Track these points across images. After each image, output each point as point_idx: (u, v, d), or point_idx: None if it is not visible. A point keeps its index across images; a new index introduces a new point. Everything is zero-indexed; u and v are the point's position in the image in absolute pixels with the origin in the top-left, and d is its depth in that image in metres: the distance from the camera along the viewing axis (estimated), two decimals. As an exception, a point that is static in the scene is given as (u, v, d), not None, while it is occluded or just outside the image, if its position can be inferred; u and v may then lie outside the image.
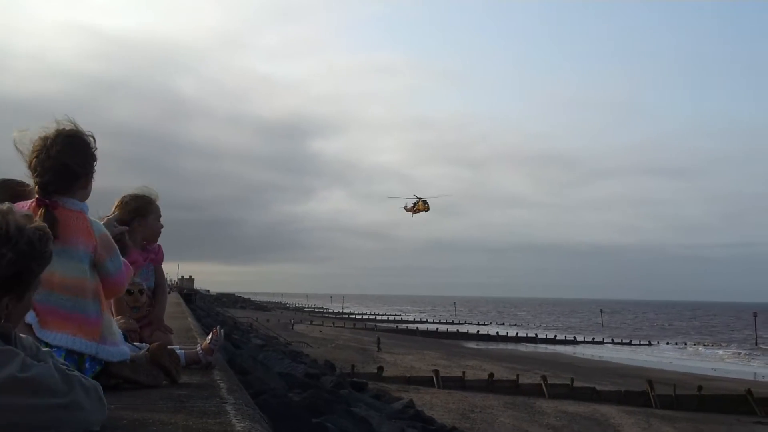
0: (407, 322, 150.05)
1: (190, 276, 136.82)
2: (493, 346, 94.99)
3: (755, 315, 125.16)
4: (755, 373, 66.65)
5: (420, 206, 78.26)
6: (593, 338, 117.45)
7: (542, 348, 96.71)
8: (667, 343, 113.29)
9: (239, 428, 3.20)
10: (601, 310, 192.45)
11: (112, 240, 4.60)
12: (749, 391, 41.19)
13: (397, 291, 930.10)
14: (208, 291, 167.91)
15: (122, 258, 4.68)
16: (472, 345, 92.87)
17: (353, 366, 40.72)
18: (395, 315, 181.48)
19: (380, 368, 41.80)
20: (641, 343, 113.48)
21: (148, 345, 4.94)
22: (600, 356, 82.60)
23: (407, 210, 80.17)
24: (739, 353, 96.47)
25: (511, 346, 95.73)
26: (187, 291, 74.67)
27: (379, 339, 66.27)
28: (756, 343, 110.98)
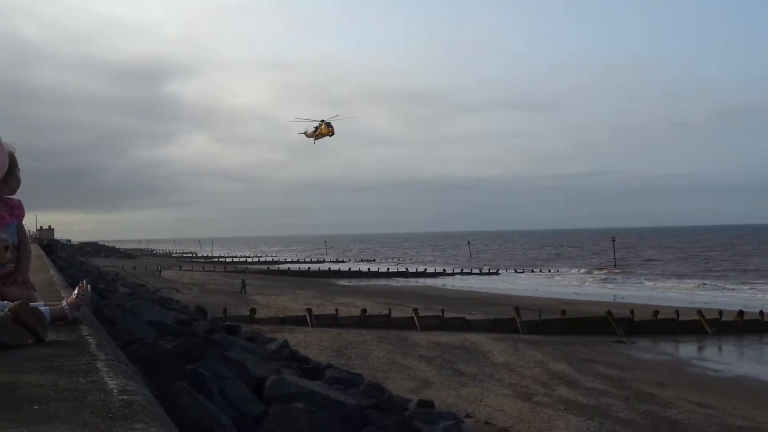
0: (278, 263, 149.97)
1: (50, 226, 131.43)
2: (365, 282, 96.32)
3: (613, 240, 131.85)
4: (614, 295, 70.35)
5: (323, 130, 70.22)
6: (462, 269, 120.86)
7: (413, 282, 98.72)
8: (532, 271, 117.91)
9: (112, 386, 3.05)
10: (468, 242, 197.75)
11: None
12: (609, 313, 43.49)
13: (267, 233, 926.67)
14: (70, 241, 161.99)
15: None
16: (344, 282, 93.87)
17: (225, 309, 40.46)
18: (266, 257, 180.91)
19: (253, 310, 41.71)
20: (507, 271, 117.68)
21: (10, 304, 4.74)
22: (469, 287, 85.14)
23: (308, 135, 72.41)
24: (600, 276, 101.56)
25: (383, 282, 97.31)
26: (47, 242, 71.60)
27: (243, 281, 65.99)
28: (615, 266, 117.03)
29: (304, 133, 72.43)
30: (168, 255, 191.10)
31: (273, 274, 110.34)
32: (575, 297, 66.83)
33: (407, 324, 41.35)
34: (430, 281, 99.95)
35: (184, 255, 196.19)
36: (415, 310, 42.77)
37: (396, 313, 43.75)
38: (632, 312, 44.22)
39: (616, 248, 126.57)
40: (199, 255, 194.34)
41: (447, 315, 42.92)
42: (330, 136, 70.15)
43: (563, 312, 44.11)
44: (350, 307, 47.63)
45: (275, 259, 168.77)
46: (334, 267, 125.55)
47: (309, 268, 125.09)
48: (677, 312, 44.31)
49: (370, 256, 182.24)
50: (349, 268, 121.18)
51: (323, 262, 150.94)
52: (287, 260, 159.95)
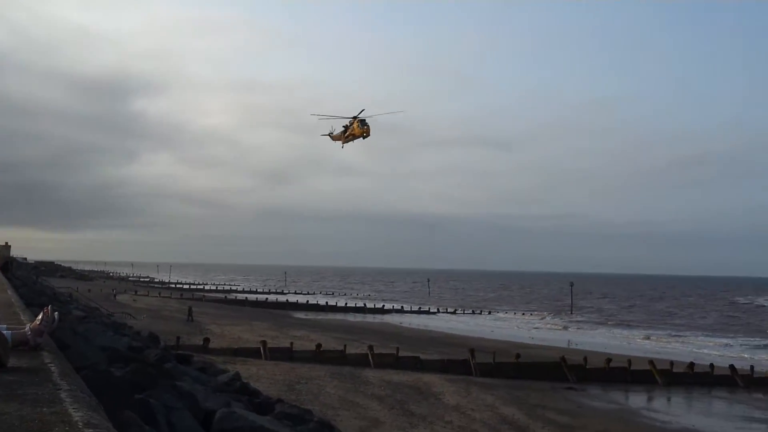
0: (236, 291, 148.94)
1: (6, 243, 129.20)
2: (322, 316, 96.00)
3: (572, 285, 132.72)
4: (569, 340, 70.98)
5: (356, 129, 58.42)
6: (420, 307, 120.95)
7: (371, 318, 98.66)
8: (489, 312, 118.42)
9: (77, 418, 3.11)
10: (429, 280, 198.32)
11: None
12: (563, 359, 43.80)
13: (228, 260, 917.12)
14: (26, 259, 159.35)
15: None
16: (301, 315, 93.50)
17: (178, 338, 40.10)
18: (224, 285, 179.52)
19: (206, 340, 41.39)
20: (466, 312, 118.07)
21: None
22: (426, 325, 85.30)
23: (334, 138, 61.42)
24: (556, 321, 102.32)
25: (340, 316, 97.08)
26: (4, 260, 70.24)
27: (190, 308, 65.44)
28: (571, 312, 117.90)
29: (329, 134, 62.34)
30: (125, 279, 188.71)
31: (230, 303, 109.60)
32: (530, 341, 67.37)
33: (362, 361, 41.32)
34: (387, 318, 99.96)
35: (141, 279, 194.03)
36: (370, 347, 42.78)
37: (351, 349, 43.70)
38: (585, 359, 44.63)
39: (574, 293, 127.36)
40: (156, 280, 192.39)
41: (402, 353, 42.97)
42: (364, 137, 58.59)
43: (517, 356, 44.41)
44: (305, 341, 47.54)
45: (233, 287, 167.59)
46: (292, 299, 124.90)
47: (267, 298, 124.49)
48: (629, 361, 44.81)
49: (329, 289, 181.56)
50: (307, 301, 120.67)
51: (282, 293, 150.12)
52: (245, 289, 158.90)
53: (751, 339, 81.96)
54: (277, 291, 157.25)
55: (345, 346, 44.29)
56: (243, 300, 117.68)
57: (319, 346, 42.95)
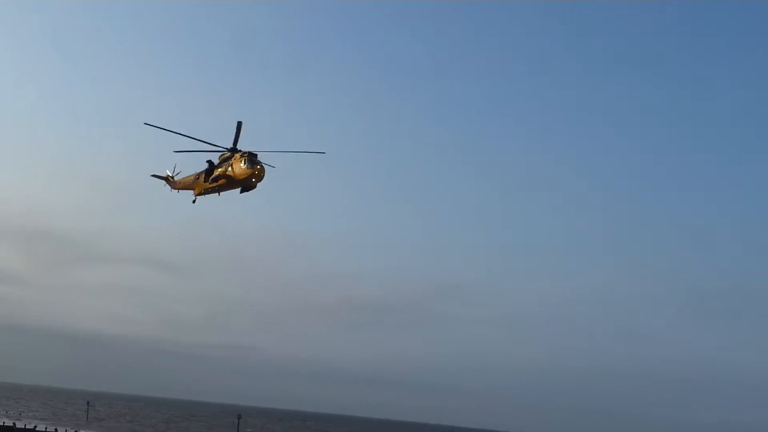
0: None
1: None
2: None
3: (239, 417, 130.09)
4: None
5: (236, 169, 37.48)
6: (76, 431, 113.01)
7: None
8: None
9: None
10: (88, 403, 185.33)
11: None
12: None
13: None
14: None
15: None
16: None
17: None
18: None
19: None
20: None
21: None
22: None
23: (178, 184, 42.77)
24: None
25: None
26: None
27: None
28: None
29: (167, 177, 46.02)
30: None
31: None
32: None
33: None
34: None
35: None
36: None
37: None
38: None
39: (240, 427, 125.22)
40: None
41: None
42: (250, 184, 38.19)
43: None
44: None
45: None
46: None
47: None
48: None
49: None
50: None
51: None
52: None
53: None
54: None
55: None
56: None
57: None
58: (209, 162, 39.56)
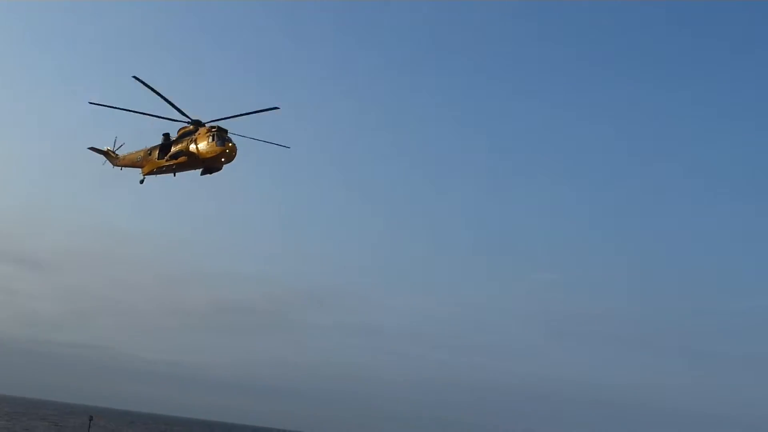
0: None
1: None
2: None
3: (91, 418, 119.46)
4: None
5: (201, 146, 31.02)
6: None
7: None
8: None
9: None
10: None
11: None
12: None
13: None
14: None
15: None
16: None
17: None
18: None
19: None
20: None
21: None
22: None
23: (123, 161, 36.09)
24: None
25: None
26: None
27: None
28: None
29: (109, 151, 38.61)
30: None
31: None
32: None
33: None
34: None
35: None
36: None
37: None
38: None
39: (91, 429, 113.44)
40: None
41: None
42: (218, 164, 31.64)
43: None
44: None
45: None
46: None
47: None
48: None
49: None
50: None
51: None
52: None
53: None
54: None
55: None
56: None
57: None
58: (165, 135, 33.17)
